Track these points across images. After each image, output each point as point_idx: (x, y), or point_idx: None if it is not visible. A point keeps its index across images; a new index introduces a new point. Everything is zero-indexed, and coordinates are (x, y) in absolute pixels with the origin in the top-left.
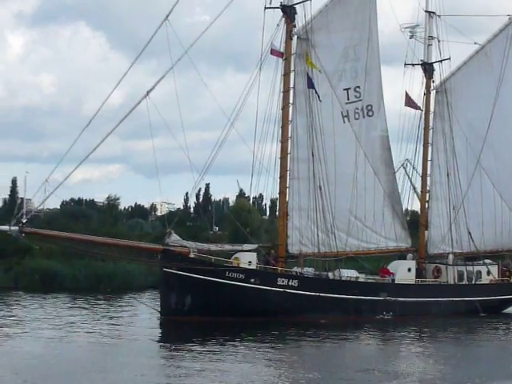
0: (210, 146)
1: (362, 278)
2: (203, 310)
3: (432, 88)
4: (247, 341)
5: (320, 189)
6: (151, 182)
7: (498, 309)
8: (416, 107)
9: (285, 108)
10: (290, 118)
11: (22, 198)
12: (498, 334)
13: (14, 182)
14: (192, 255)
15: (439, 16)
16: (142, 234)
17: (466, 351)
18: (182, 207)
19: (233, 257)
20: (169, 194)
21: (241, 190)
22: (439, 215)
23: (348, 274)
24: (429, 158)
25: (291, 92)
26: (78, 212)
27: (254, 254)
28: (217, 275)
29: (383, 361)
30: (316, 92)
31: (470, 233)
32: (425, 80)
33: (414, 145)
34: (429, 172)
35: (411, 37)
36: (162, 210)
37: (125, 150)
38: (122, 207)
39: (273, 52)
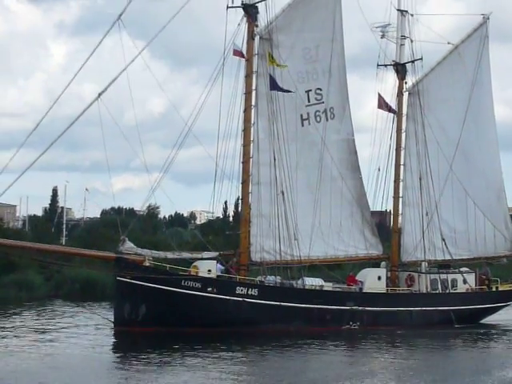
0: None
1: (327, 286)
2: (158, 320)
3: (404, 90)
4: (204, 353)
5: (282, 194)
6: (191, 191)
7: (475, 319)
8: (389, 110)
9: (247, 110)
10: (252, 121)
11: (62, 207)
12: (471, 347)
13: (54, 191)
14: (147, 263)
15: (412, 15)
16: (181, 242)
17: (435, 364)
18: (221, 216)
19: (192, 265)
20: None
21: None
22: (412, 221)
23: (312, 282)
24: (401, 163)
25: (253, 94)
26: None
27: (214, 262)
28: (172, 284)
29: (346, 375)
30: (283, 90)
31: (443, 239)
32: (397, 81)
33: (387, 149)
34: (401, 177)
35: (382, 36)
36: (201, 219)
37: (165, 158)
38: (161, 216)
39: (235, 53)
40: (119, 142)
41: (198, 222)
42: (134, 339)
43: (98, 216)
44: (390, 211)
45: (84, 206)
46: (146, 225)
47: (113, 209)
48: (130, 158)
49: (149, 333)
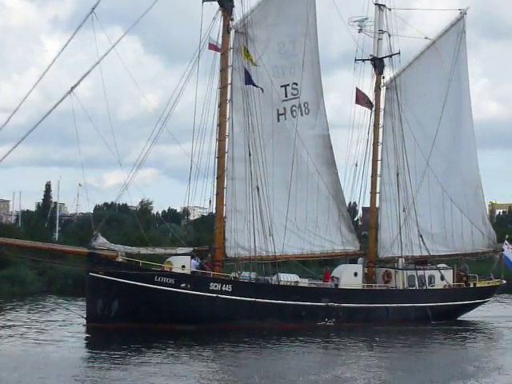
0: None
1: (302, 282)
2: (131, 316)
3: (382, 84)
4: (176, 350)
5: (257, 190)
6: (184, 187)
7: (453, 315)
8: (367, 105)
9: (222, 105)
10: (227, 116)
11: (55, 203)
12: (443, 344)
13: (47, 186)
14: (120, 259)
15: (389, 9)
16: (174, 238)
17: (409, 362)
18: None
19: (166, 261)
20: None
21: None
22: (389, 217)
23: (287, 278)
24: (378, 158)
25: (229, 88)
26: (110, 216)
27: (188, 257)
28: (145, 280)
29: (320, 372)
30: (256, 85)
31: (421, 235)
32: (375, 76)
33: (364, 144)
34: (379, 172)
35: (360, 31)
36: (194, 215)
37: (158, 154)
38: (154, 212)
39: (210, 46)
40: (112, 138)
41: (191, 217)
42: (107, 335)
43: (91, 212)
44: None
45: (77, 201)
46: (139, 221)
47: (106, 204)
48: (123, 154)
49: (121, 329)
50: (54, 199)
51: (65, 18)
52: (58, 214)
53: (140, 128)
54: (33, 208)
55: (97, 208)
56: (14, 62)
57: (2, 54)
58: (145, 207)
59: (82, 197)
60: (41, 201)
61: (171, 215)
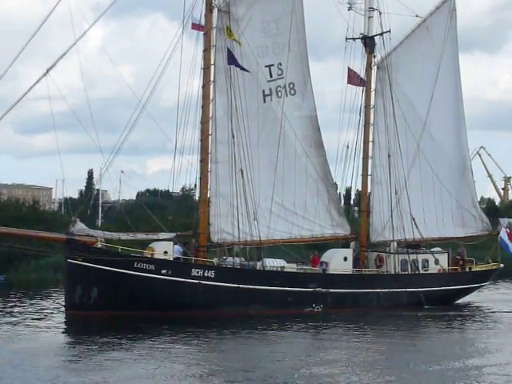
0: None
1: (290, 267)
2: (110, 303)
3: (373, 64)
4: (158, 338)
5: (241, 173)
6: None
7: (448, 300)
8: (361, 83)
9: (205, 86)
10: (211, 97)
11: (97, 190)
12: (433, 327)
13: (90, 173)
14: (99, 245)
15: None
16: None
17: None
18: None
19: (148, 247)
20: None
21: None
22: (380, 200)
23: (273, 263)
24: (370, 139)
25: (212, 69)
26: (152, 203)
27: (171, 243)
28: (124, 266)
29: (306, 362)
30: (240, 66)
31: (413, 219)
32: (366, 55)
33: (356, 125)
34: (370, 154)
35: (349, 8)
36: None
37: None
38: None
39: (193, 26)
40: (155, 124)
41: None
42: (86, 324)
43: (134, 198)
44: None
45: (119, 188)
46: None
47: (148, 191)
48: (166, 140)
49: (101, 317)
50: (96, 186)
51: (107, 5)
52: (100, 201)
53: (183, 114)
54: (75, 195)
55: (139, 195)
56: (58, 49)
57: (46, 42)
58: (187, 193)
59: (124, 184)
60: (83, 188)
61: None
